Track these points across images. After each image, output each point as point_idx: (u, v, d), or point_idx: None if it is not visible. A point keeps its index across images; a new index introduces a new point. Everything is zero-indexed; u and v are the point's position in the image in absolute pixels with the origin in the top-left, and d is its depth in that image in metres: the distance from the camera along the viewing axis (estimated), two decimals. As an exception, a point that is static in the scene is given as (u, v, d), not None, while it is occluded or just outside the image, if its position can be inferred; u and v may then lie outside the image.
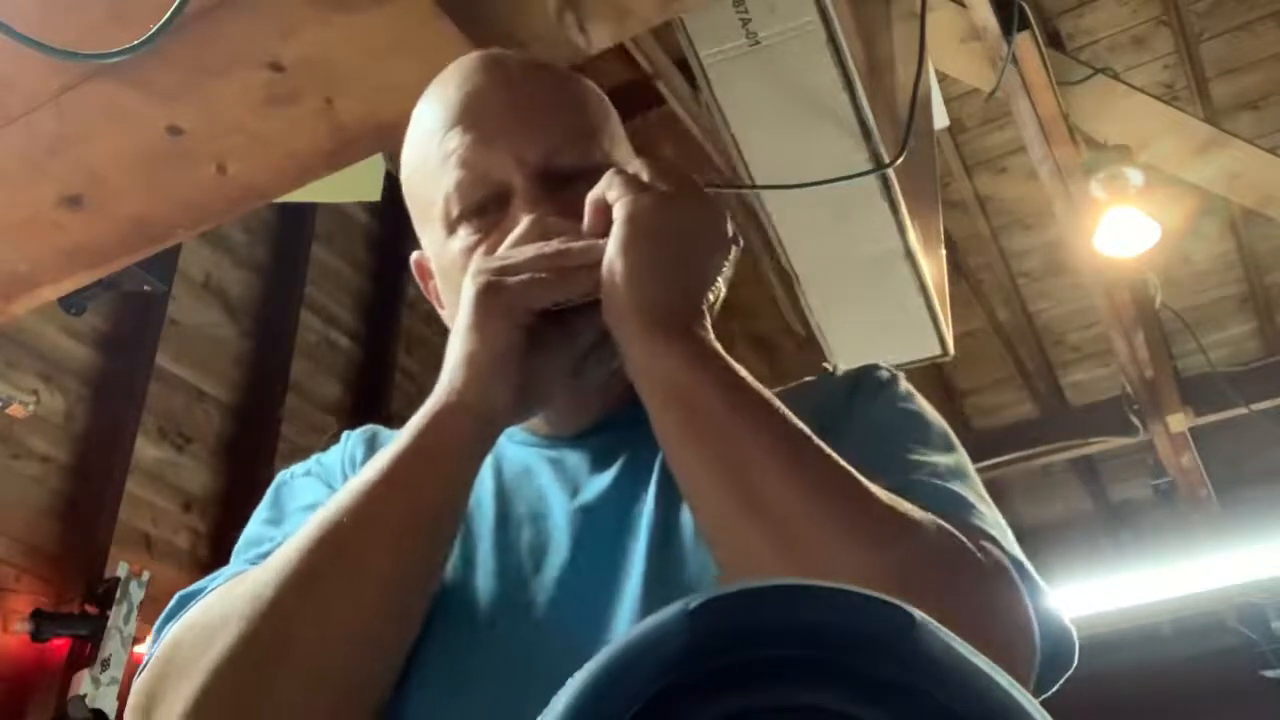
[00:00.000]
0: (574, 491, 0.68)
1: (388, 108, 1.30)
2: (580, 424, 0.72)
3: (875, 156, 1.90)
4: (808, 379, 0.77)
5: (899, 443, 0.66)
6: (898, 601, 0.25)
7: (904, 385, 0.73)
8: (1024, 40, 2.51)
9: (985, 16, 2.48)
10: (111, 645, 2.76)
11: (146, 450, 3.21)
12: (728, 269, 0.63)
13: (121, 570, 2.89)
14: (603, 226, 0.62)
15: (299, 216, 3.95)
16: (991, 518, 0.61)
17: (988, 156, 4.00)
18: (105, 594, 2.82)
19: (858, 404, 0.71)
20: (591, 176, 0.65)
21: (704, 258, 0.62)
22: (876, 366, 0.75)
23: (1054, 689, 0.61)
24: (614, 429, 0.71)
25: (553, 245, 0.60)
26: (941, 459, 0.65)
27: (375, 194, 2.83)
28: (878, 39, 1.99)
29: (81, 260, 1.53)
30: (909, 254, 2.06)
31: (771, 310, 4.34)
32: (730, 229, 0.64)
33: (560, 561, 0.64)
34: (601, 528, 0.65)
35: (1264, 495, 4.72)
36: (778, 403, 0.58)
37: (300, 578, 0.56)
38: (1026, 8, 2.50)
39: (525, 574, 0.64)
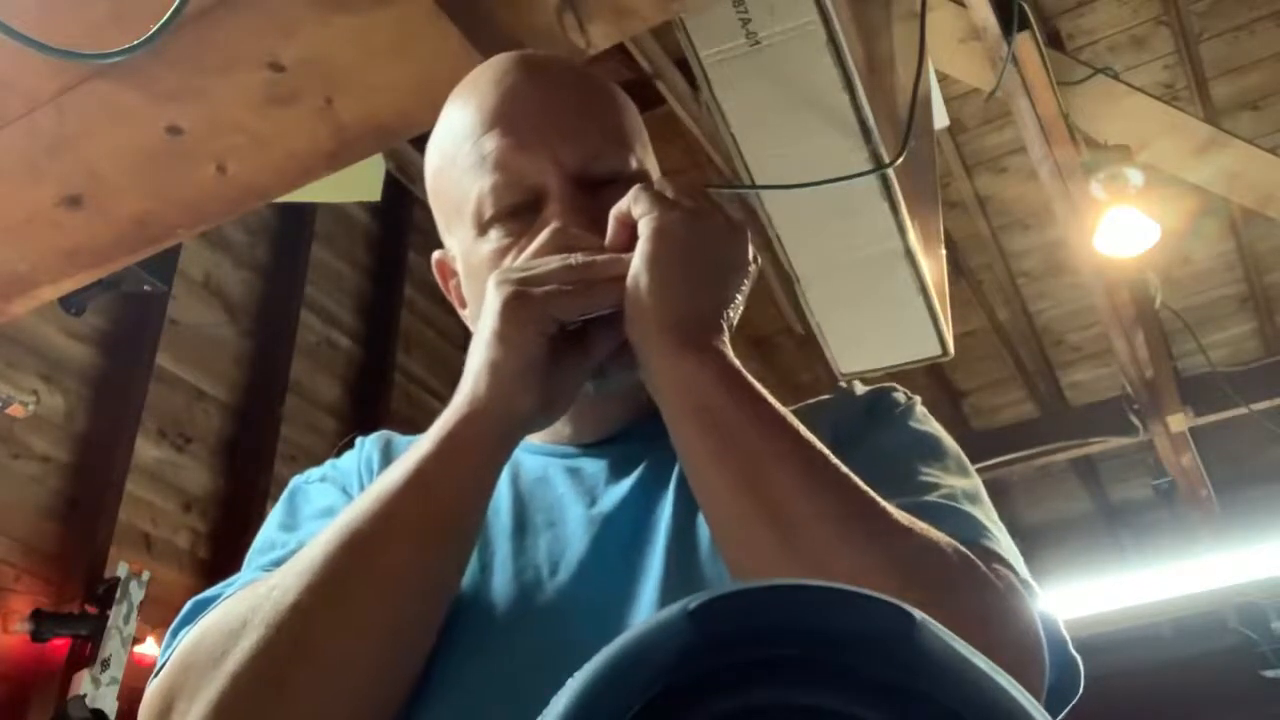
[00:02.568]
0: (591, 500, 0.69)
1: (388, 108, 1.30)
2: (600, 432, 0.73)
3: (875, 156, 1.89)
4: (824, 396, 0.78)
5: (914, 464, 0.66)
6: (898, 602, 0.25)
7: (920, 408, 0.74)
8: (1024, 40, 2.51)
9: (985, 16, 2.48)
10: (111, 645, 2.77)
11: (146, 450, 3.21)
12: (746, 288, 0.64)
13: (121, 570, 2.89)
14: (625, 240, 0.63)
15: (299, 216, 3.95)
16: (1005, 543, 0.62)
17: (988, 156, 4.00)
18: (105, 594, 2.82)
19: (874, 424, 0.71)
20: (625, 184, 0.66)
21: (727, 275, 0.63)
22: (894, 388, 0.76)
23: (1060, 717, 0.61)
24: (632, 439, 0.72)
25: (578, 257, 0.61)
26: (957, 482, 0.65)
27: (375, 194, 2.83)
28: (878, 39, 1.99)
29: (81, 260, 1.53)
30: (909, 254, 2.06)
31: (771, 310, 4.34)
32: (751, 250, 0.65)
33: (577, 569, 0.64)
34: (618, 536, 0.66)
35: (1264, 495, 4.72)
36: (795, 420, 0.58)
37: (322, 581, 0.56)
38: (1026, 8, 2.50)
39: (542, 581, 0.64)
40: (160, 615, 2.98)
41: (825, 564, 0.52)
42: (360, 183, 2.69)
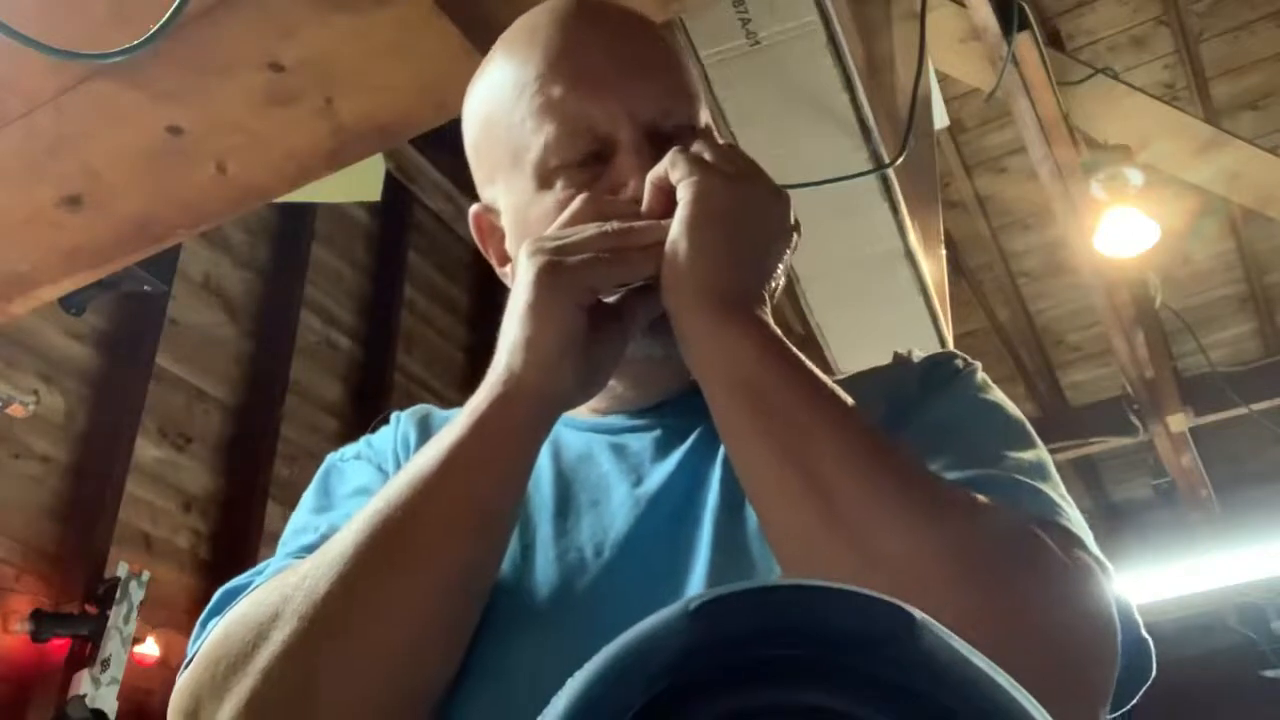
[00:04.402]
0: (636, 478, 0.66)
1: (388, 108, 1.30)
2: (642, 401, 0.70)
3: (875, 156, 1.89)
4: (880, 364, 0.73)
5: (974, 435, 0.62)
6: (898, 601, 0.25)
7: (981, 375, 0.69)
8: (1024, 40, 2.51)
9: (985, 16, 2.48)
10: (111, 645, 2.77)
11: (146, 450, 3.21)
12: (788, 257, 0.61)
13: (121, 570, 2.89)
14: (663, 206, 0.60)
15: (299, 216, 3.95)
16: (1076, 519, 0.58)
17: (988, 156, 4.00)
18: (105, 594, 2.83)
19: (931, 393, 0.67)
20: (692, 139, 0.63)
21: (769, 243, 0.60)
22: (953, 354, 0.72)
23: (1133, 702, 0.58)
24: (680, 412, 0.68)
25: (614, 224, 0.58)
26: (1021, 454, 0.61)
27: (375, 194, 2.84)
28: (878, 39, 1.99)
29: (81, 260, 1.53)
30: (909, 254, 2.05)
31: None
32: (793, 216, 0.62)
33: (621, 551, 0.62)
34: (664, 516, 0.63)
35: (1264, 495, 4.72)
36: (842, 392, 0.56)
37: (355, 572, 0.54)
38: (1026, 8, 2.51)
39: (585, 563, 0.62)
40: (160, 615, 2.98)
41: (876, 545, 0.49)
42: (360, 183, 2.70)
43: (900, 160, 1.90)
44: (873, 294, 2.15)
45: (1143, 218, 2.97)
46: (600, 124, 0.65)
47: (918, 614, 0.25)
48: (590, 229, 0.58)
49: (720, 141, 0.65)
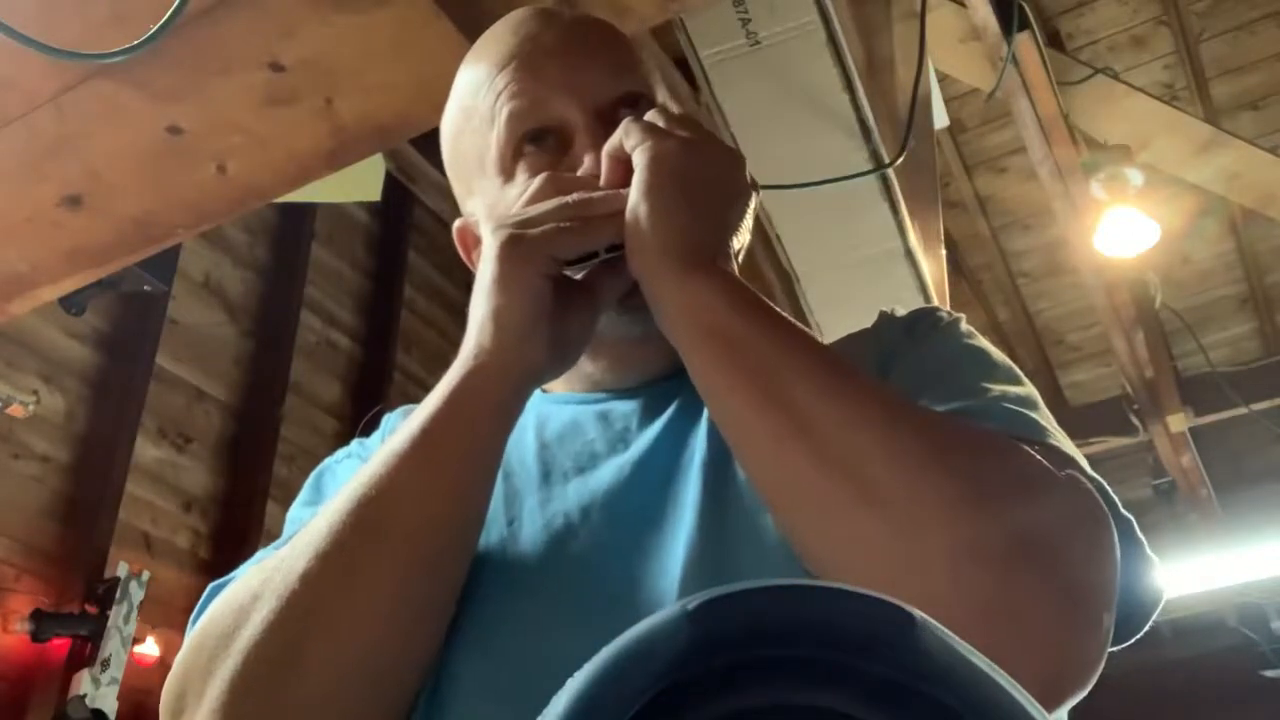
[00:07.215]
0: (623, 443, 0.66)
1: (388, 108, 1.30)
2: (630, 379, 0.70)
3: (875, 156, 1.89)
4: (865, 326, 0.74)
5: (962, 374, 0.63)
6: (898, 601, 0.25)
7: (965, 325, 0.70)
8: (1024, 40, 2.51)
9: (985, 16, 2.48)
10: (111, 645, 2.77)
11: (146, 450, 3.21)
12: (748, 217, 0.63)
13: (121, 570, 2.89)
14: (621, 176, 0.61)
15: (299, 216, 3.95)
16: (1068, 444, 0.58)
17: (988, 156, 4.00)
18: (105, 594, 2.83)
19: (915, 341, 0.68)
20: (647, 110, 0.65)
21: (727, 203, 0.61)
22: (936, 308, 0.73)
23: (1145, 629, 0.58)
24: (665, 382, 0.69)
25: (574, 196, 0.59)
26: (1009, 388, 0.61)
27: (375, 194, 2.84)
28: (878, 39, 1.99)
29: (81, 260, 1.53)
30: (909, 254, 2.06)
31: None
32: (748, 175, 0.63)
33: (608, 514, 0.62)
34: (651, 475, 0.63)
35: (1264, 495, 4.72)
36: (813, 334, 0.56)
37: (330, 549, 0.54)
38: (1026, 8, 2.51)
39: (573, 528, 0.62)
40: (160, 615, 2.98)
41: (868, 475, 0.49)
42: (360, 183, 2.70)
43: (900, 160, 1.90)
44: (873, 294, 2.15)
45: (1143, 218, 2.97)
46: (550, 103, 0.66)
47: (917, 614, 0.25)
48: (551, 202, 0.59)
49: (675, 110, 0.66)
